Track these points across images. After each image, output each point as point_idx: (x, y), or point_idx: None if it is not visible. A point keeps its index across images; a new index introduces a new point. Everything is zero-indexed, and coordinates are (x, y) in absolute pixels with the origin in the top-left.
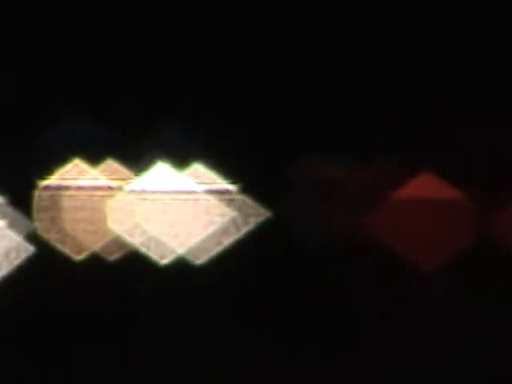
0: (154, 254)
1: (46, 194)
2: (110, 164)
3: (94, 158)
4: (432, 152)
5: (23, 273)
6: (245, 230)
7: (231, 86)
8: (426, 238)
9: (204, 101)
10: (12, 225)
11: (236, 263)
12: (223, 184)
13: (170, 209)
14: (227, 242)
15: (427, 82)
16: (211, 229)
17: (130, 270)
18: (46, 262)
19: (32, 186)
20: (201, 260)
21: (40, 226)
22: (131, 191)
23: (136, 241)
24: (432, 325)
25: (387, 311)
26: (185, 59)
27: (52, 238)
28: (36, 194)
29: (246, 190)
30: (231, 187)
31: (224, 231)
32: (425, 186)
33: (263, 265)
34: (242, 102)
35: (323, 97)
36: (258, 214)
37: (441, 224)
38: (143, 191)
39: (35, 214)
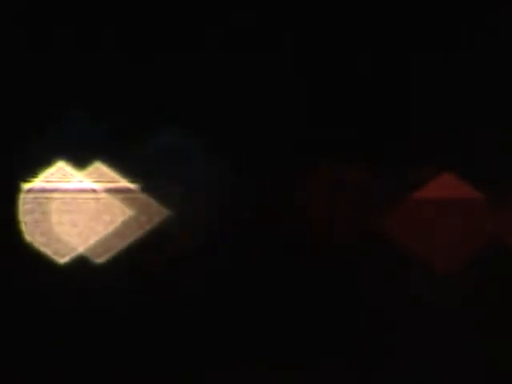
0: (53, 253)
1: (30, 196)
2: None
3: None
4: (453, 152)
5: (8, 274)
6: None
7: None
8: (446, 239)
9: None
10: None
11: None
12: (124, 183)
13: (71, 208)
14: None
15: (446, 82)
16: (112, 227)
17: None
18: (29, 264)
19: (16, 188)
20: (102, 258)
21: (24, 228)
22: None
23: (37, 240)
24: (452, 326)
25: (407, 312)
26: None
27: (36, 240)
28: (20, 196)
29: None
30: (132, 186)
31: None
32: (445, 187)
33: (168, 264)
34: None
35: (336, 96)
36: (160, 213)
37: (461, 225)
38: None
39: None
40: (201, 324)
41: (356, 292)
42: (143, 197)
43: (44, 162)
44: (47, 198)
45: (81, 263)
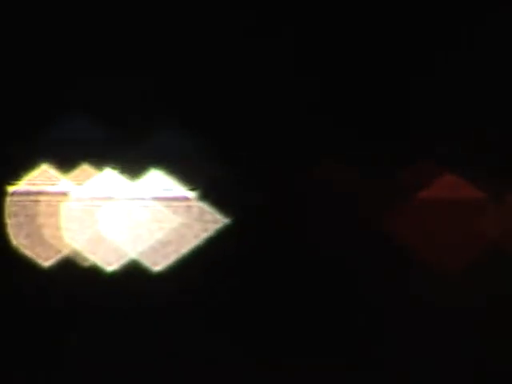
0: (100, 259)
1: (15, 199)
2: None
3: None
4: (453, 152)
5: None
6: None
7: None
8: (446, 239)
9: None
10: None
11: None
12: (179, 191)
13: (56, 211)
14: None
15: (446, 82)
16: (161, 234)
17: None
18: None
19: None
20: (158, 265)
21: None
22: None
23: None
24: (452, 326)
25: (407, 312)
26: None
27: (21, 243)
28: (5, 199)
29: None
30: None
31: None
32: (446, 187)
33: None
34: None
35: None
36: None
37: (462, 225)
38: (92, 198)
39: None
40: (199, 324)
41: (356, 292)
42: (131, 200)
43: (28, 164)
44: (32, 201)
45: (65, 266)
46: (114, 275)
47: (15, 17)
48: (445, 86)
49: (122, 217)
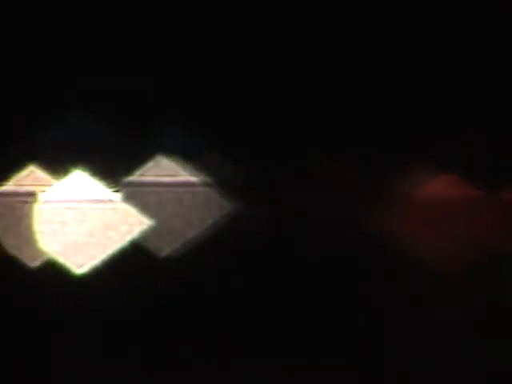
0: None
1: (2, 200)
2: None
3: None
4: (453, 152)
5: None
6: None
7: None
8: (446, 238)
9: None
10: None
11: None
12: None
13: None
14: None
15: (446, 82)
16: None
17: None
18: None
19: None
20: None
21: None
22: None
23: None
24: (452, 326)
25: (407, 312)
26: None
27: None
28: None
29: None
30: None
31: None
32: (445, 187)
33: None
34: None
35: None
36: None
37: (461, 224)
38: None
39: None
40: (198, 324)
41: (356, 292)
42: (122, 204)
43: (16, 166)
44: (19, 202)
45: (53, 268)
46: (104, 275)
47: (15, 17)
48: (445, 86)
49: (109, 218)
